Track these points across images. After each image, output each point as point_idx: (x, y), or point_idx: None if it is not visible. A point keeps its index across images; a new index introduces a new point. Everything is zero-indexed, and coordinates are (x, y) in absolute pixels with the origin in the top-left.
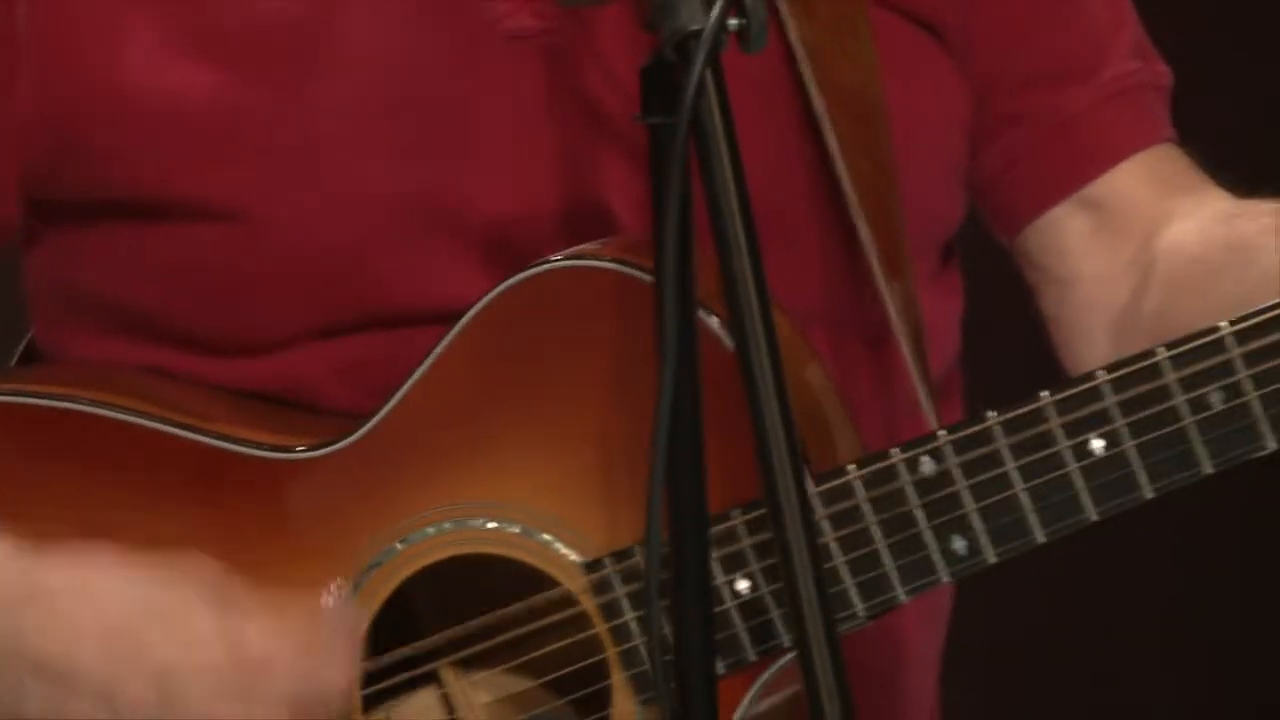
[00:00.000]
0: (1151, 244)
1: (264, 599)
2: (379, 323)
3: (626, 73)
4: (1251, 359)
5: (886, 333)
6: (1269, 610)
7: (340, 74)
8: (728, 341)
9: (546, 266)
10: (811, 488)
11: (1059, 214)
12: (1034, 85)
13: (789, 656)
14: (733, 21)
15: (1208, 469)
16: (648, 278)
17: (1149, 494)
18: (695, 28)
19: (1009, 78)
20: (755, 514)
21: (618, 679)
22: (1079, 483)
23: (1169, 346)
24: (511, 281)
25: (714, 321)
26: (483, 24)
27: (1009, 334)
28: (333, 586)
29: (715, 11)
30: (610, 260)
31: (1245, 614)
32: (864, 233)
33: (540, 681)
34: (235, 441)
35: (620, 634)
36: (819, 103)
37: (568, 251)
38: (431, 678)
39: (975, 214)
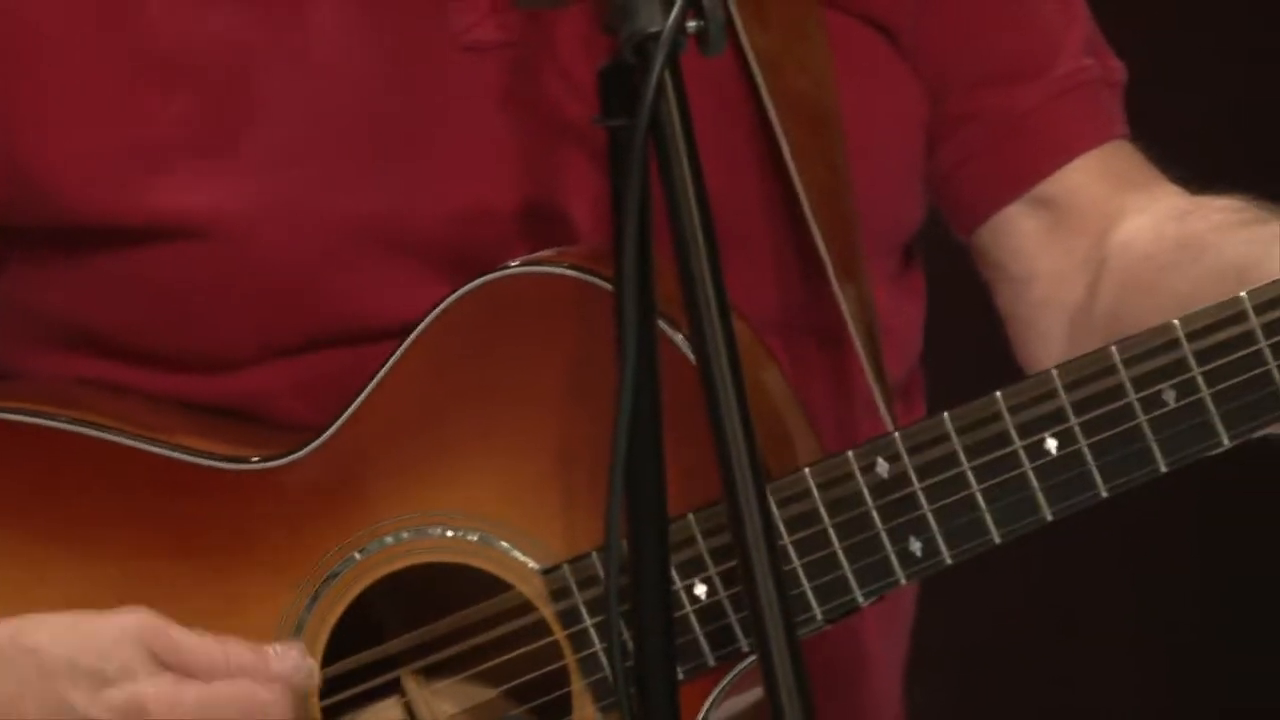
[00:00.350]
0: (1105, 241)
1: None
2: (339, 339)
3: (586, 79)
4: (1204, 356)
5: (842, 336)
6: (1227, 610)
7: (298, 91)
8: (684, 346)
9: (503, 273)
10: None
11: (1013, 212)
12: (987, 84)
13: (748, 661)
14: (691, 24)
15: (1163, 467)
16: (606, 284)
17: (1104, 493)
18: (654, 30)
19: (962, 77)
20: (712, 517)
21: (578, 686)
22: (1034, 482)
23: (1121, 345)
24: (468, 288)
25: (671, 328)
26: (444, 38)
27: (970, 334)
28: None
29: (674, 13)
30: (568, 267)
31: (1204, 614)
32: (818, 237)
33: (501, 689)
34: (191, 452)
35: (579, 640)
36: (772, 109)
37: (525, 258)
38: (393, 686)
39: (935, 214)
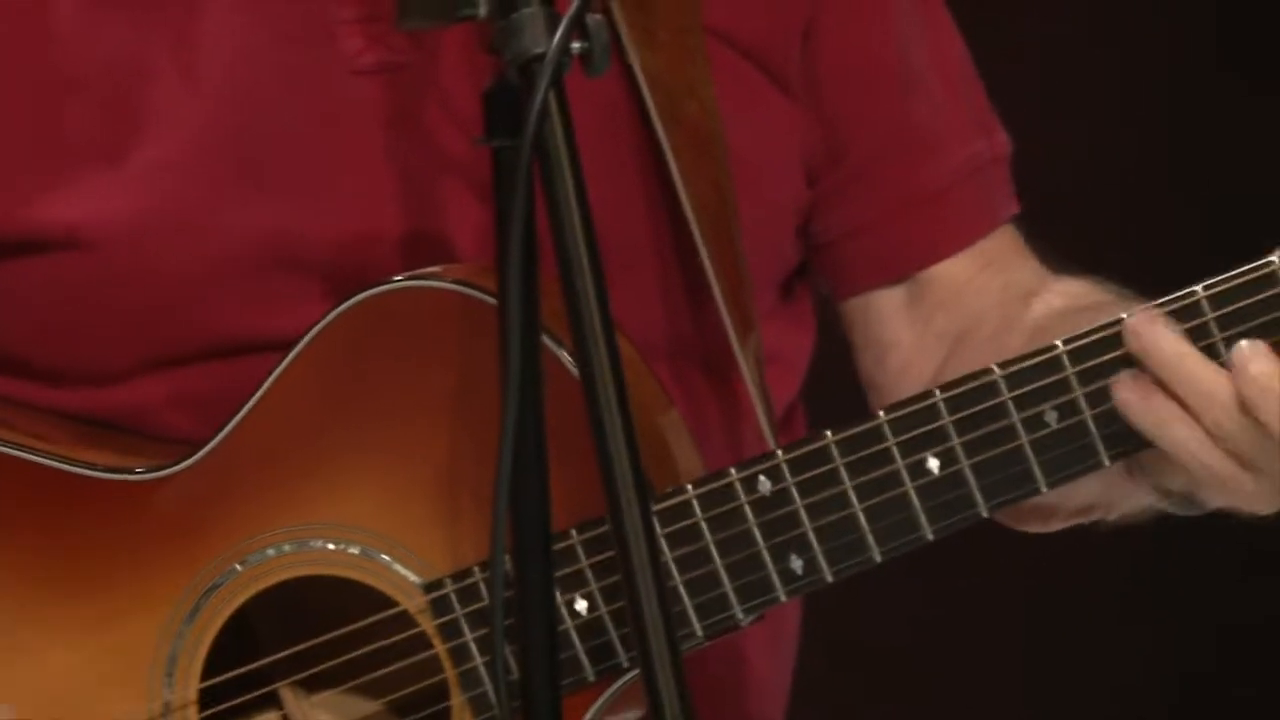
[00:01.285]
0: (962, 316)
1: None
2: (221, 353)
3: (471, 103)
4: (1085, 377)
5: (729, 362)
6: (1120, 615)
7: (187, 108)
8: (570, 364)
9: (386, 287)
10: None
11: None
12: (884, 158)
13: (629, 677)
14: (576, 45)
15: (1044, 487)
16: (487, 298)
17: (985, 512)
18: (539, 51)
19: (859, 145)
20: (593, 533)
21: (457, 700)
22: (915, 501)
23: (1004, 365)
24: (351, 302)
25: (555, 345)
26: (331, 59)
27: (852, 368)
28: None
29: (558, 35)
30: (450, 281)
31: (1091, 623)
32: (706, 261)
33: (381, 702)
34: (72, 463)
35: (460, 655)
36: (661, 129)
37: (409, 273)
38: (272, 700)
39: None
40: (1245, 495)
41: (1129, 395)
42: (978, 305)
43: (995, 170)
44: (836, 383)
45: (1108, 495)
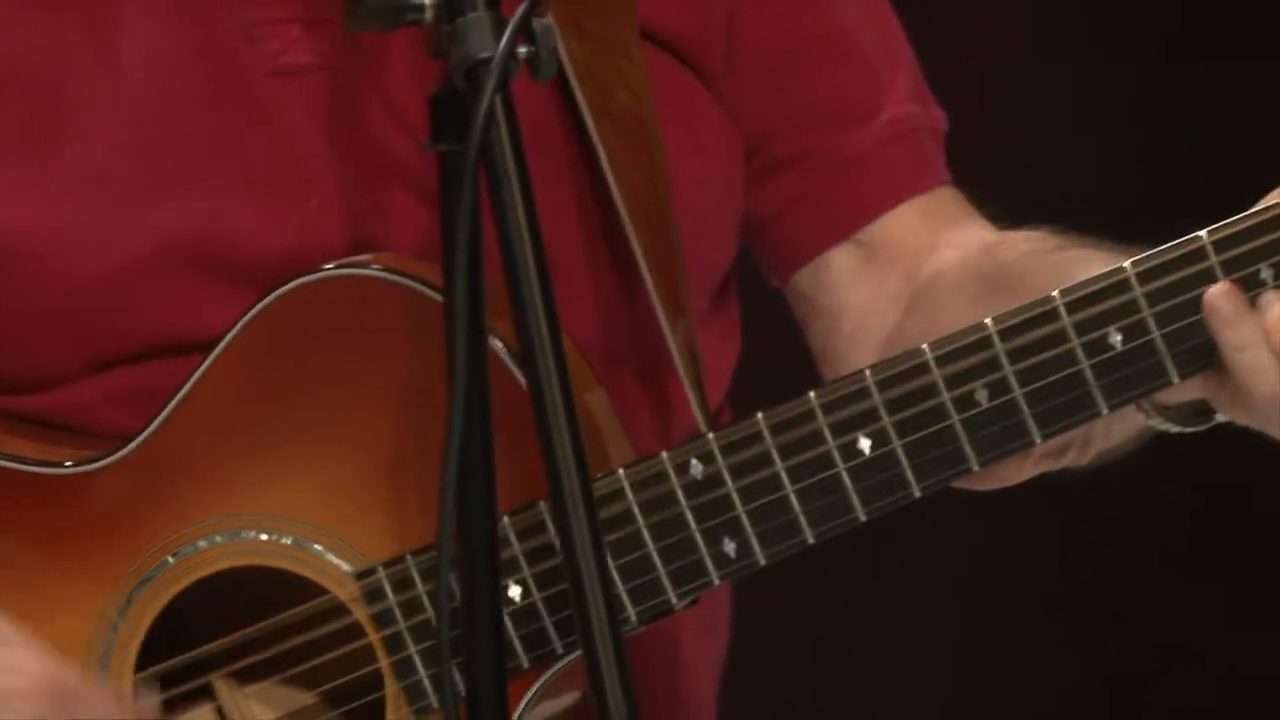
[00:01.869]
0: (916, 275)
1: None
2: (155, 353)
3: (413, 105)
4: (1015, 355)
5: (666, 366)
6: (1057, 602)
7: (109, 110)
8: (510, 363)
9: (315, 276)
10: None
11: (831, 251)
12: (813, 128)
13: (564, 663)
14: (522, 49)
15: (975, 466)
16: (420, 287)
17: (917, 493)
18: (485, 55)
19: (787, 120)
20: (527, 520)
21: (391, 690)
22: (847, 483)
23: (934, 344)
24: (283, 290)
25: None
26: (254, 60)
27: (779, 374)
28: None
29: (504, 39)
30: (382, 269)
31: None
32: (642, 263)
33: (315, 693)
34: (1, 456)
35: (393, 644)
36: (592, 123)
37: (341, 261)
38: (205, 691)
39: (744, 256)
40: None
41: (1222, 304)
42: (931, 262)
43: (932, 138)
44: (762, 392)
45: (1089, 427)
